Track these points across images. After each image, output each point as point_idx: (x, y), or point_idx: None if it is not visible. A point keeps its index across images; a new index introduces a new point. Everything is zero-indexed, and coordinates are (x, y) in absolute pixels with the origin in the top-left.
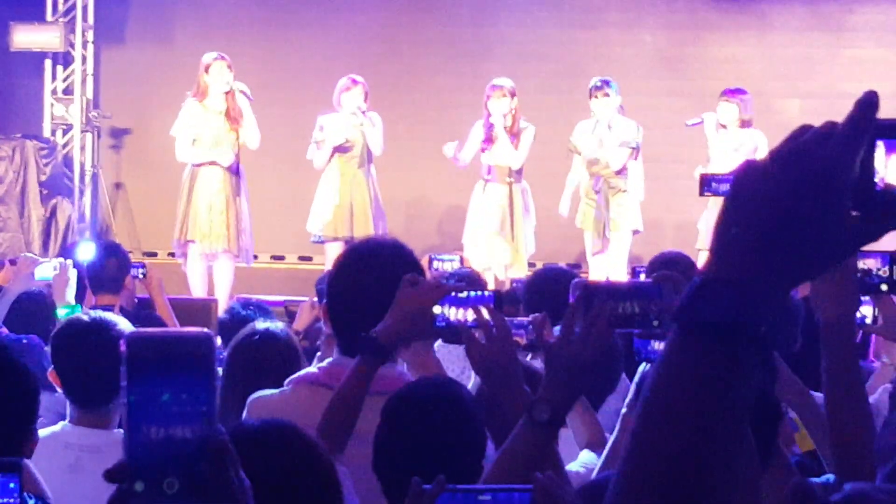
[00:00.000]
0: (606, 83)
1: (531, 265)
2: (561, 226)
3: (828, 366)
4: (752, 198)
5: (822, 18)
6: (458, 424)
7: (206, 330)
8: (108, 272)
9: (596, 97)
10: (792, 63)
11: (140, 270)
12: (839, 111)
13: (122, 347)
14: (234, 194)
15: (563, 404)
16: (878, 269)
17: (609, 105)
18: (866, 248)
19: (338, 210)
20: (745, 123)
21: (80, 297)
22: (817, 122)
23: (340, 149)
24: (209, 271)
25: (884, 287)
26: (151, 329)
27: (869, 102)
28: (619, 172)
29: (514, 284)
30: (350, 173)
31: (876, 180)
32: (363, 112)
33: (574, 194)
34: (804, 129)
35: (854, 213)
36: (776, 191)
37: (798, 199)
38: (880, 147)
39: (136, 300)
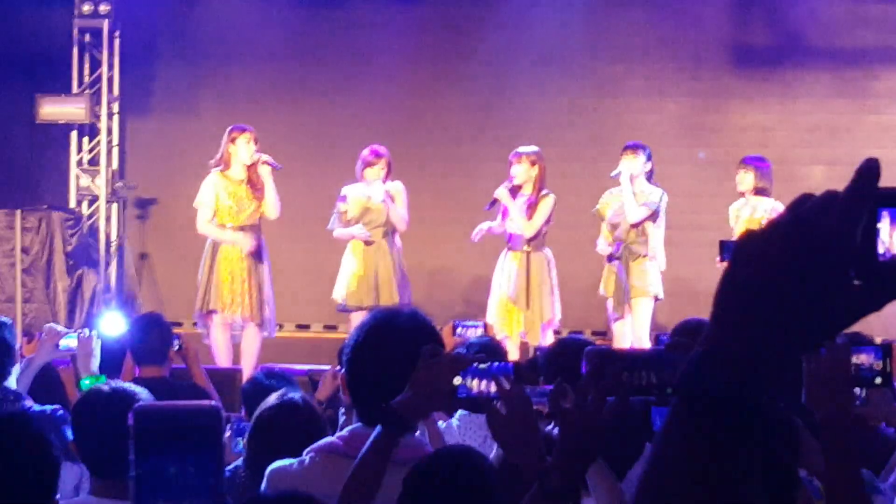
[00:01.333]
0: (639, 145)
1: (557, 333)
2: (586, 294)
3: (828, 462)
4: (753, 267)
5: (845, 85)
6: (479, 495)
7: (213, 403)
8: (152, 343)
9: (626, 155)
10: (816, 130)
11: (177, 342)
12: None
13: (130, 421)
14: (256, 264)
15: (574, 474)
16: (872, 363)
17: (634, 163)
18: (861, 340)
19: (362, 280)
20: (759, 191)
21: (107, 368)
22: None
23: (365, 218)
24: (233, 341)
25: (878, 380)
26: (159, 402)
27: (869, 170)
28: (635, 228)
29: (536, 353)
30: (374, 243)
31: (881, 251)
32: (385, 197)
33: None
34: (805, 199)
35: (856, 283)
36: (777, 260)
37: (799, 268)
38: (885, 217)
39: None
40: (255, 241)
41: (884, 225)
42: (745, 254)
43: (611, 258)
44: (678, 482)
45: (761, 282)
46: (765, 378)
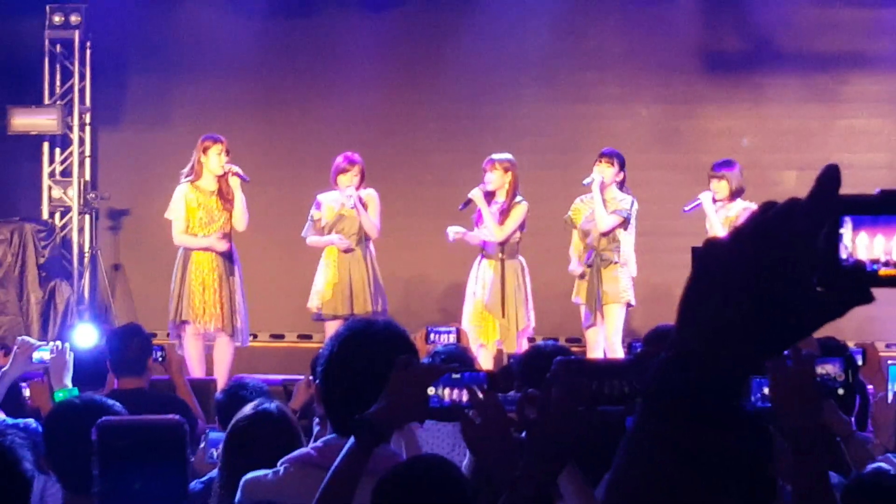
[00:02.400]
0: (614, 153)
1: (531, 340)
2: (560, 300)
3: (796, 470)
4: (716, 274)
5: (816, 90)
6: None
7: (177, 417)
8: (131, 355)
9: (599, 163)
10: (787, 135)
11: (159, 353)
12: None
13: (94, 436)
14: (228, 274)
15: (544, 481)
16: (836, 375)
17: (608, 171)
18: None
19: (337, 288)
20: (736, 193)
21: (81, 380)
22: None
23: (338, 227)
24: (206, 351)
25: (840, 391)
26: (122, 417)
27: (830, 177)
28: (606, 237)
29: (510, 360)
30: (353, 250)
31: (844, 256)
32: (358, 200)
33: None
34: (768, 206)
35: (819, 289)
36: (740, 267)
37: (762, 274)
38: (848, 223)
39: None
40: (227, 246)
41: (846, 230)
42: (708, 260)
43: (582, 276)
44: (645, 487)
45: (725, 288)
46: (730, 383)
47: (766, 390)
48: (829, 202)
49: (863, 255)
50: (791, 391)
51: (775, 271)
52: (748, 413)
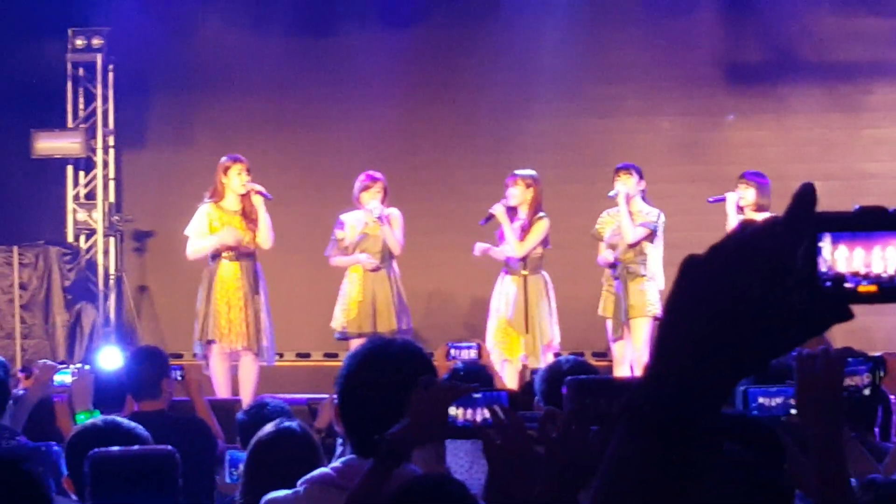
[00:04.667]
0: (629, 165)
1: (556, 355)
2: (586, 315)
3: (818, 476)
4: (695, 292)
5: (839, 100)
6: None
7: (169, 448)
8: (147, 376)
9: (619, 177)
10: (811, 145)
11: (178, 373)
12: (859, 192)
13: (86, 469)
14: (253, 293)
15: (562, 500)
16: (862, 381)
17: (629, 182)
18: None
19: (361, 306)
20: (760, 208)
21: (104, 403)
22: (837, 204)
23: (362, 246)
24: (232, 370)
25: (866, 392)
26: (115, 448)
27: (806, 195)
28: (633, 248)
29: (532, 376)
30: (380, 269)
31: (824, 269)
32: (381, 214)
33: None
34: (745, 224)
35: (798, 306)
36: (719, 283)
37: (741, 291)
38: (827, 238)
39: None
40: (236, 237)
41: (825, 244)
42: (689, 277)
43: (612, 266)
44: (627, 500)
45: (705, 304)
46: (710, 399)
47: (760, 399)
48: (806, 219)
49: (842, 267)
50: (817, 395)
51: (754, 288)
52: (759, 424)
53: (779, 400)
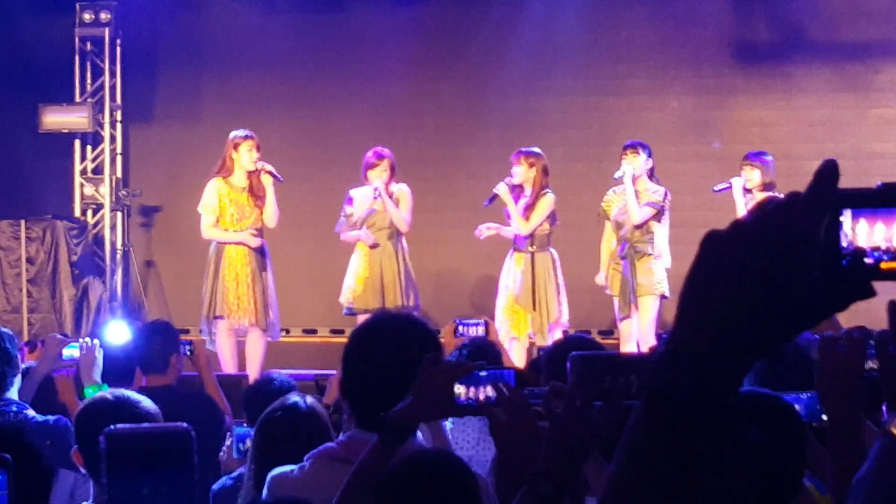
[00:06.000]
0: (638, 143)
1: (565, 332)
2: (593, 293)
3: (836, 458)
4: (717, 267)
5: (848, 79)
6: (455, 500)
7: (184, 424)
8: (156, 351)
9: (626, 155)
10: (819, 125)
11: (187, 348)
12: (868, 172)
13: (102, 445)
14: (260, 269)
15: (563, 477)
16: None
17: (636, 161)
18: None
19: (368, 282)
20: (767, 187)
21: (111, 377)
22: (845, 183)
23: (369, 221)
24: (239, 346)
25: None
26: (131, 425)
27: (829, 171)
28: (640, 229)
29: (540, 353)
30: (380, 245)
31: (844, 243)
32: (386, 190)
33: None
34: (768, 201)
35: (820, 283)
36: (741, 260)
37: (762, 268)
38: (847, 213)
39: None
40: (260, 240)
41: (846, 219)
42: (709, 253)
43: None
44: (644, 483)
45: (726, 281)
46: (729, 377)
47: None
48: (828, 196)
49: (863, 242)
50: (837, 375)
51: (776, 265)
52: (776, 402)
53: (807, 407)
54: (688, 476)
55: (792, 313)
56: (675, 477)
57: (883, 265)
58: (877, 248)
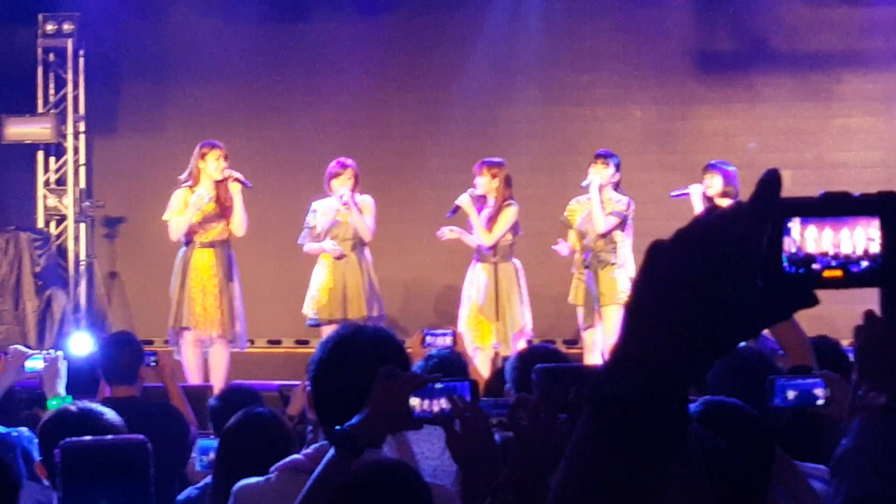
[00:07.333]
0: (609, 154)
1: (529, 342)
2: (557, 302)
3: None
4: (661, 276)
5: (810, 89)
6: None
7: (140, 436)
8: (121, 363)
9: (596, 164)
10: (782, 134)
11: (152, 359)
12: (830, 181)
13: (57, 458)
14: (227, 279)
15: (527, 489)
16: None
17: (604, 172)
18: None
19: (331, 293)
20: (727, 196)
21: (76, 388)
22: (808, 193)
23: (333, 232)
24: (204, 357)
25: None
26: (86, 438)
27: (771, 180)
28: (604, 238)
29: (504, 363)
30: (345, 257)
31: (793, 250)
32: (351, 199)
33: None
34: (711, 209)
35: (762, 291)
36: (684, 269)
37: (706, 277)
38: (796, 220)
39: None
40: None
41: (794, 225)
42: (655, 261)
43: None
44: (590, 493)
45: (670, 290)
46: (675, 384)
47: (788, 392)
48: (771, 205)
49: (811, 248)
50: (884, 356)
51: (719, 273)
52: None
53: (804, 391)
54: (632, 485)
55: (735, 322)
56: (620, 486)
57: (826, 273)
58: (824, 254)
